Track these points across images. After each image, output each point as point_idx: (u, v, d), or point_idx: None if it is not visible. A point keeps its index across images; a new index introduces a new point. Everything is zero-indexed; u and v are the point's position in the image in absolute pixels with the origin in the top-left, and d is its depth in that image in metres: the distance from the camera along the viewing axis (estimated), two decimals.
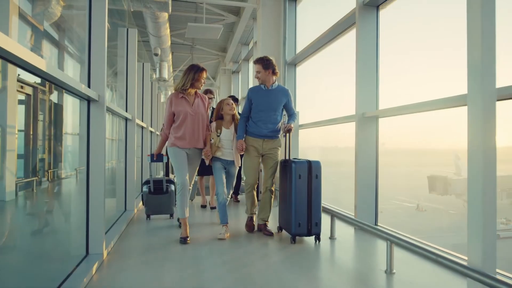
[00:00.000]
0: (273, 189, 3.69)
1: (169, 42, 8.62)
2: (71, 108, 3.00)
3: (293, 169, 3.28)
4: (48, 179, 2.60)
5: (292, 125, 3.51)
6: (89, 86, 2.77)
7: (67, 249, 2.81)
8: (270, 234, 3.57)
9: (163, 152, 3.68)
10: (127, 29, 4.59)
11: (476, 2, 2.18)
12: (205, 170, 4.69)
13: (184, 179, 3.35)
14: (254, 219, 3.78)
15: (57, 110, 2.87)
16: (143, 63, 6.17)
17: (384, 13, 3.96)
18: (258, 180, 3.81)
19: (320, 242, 3.33)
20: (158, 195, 4.15)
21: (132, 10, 6.43)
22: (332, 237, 3.50)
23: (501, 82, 2.16)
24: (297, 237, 3.37)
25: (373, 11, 3.95)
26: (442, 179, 14.46)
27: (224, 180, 3.62)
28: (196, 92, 3.47)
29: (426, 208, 15.16)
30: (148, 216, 4.26)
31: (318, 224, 3.31)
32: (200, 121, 3.43)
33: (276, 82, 3.63)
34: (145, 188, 4.18)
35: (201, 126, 3.44)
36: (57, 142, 2.86)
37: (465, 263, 2.16)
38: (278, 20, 6.18)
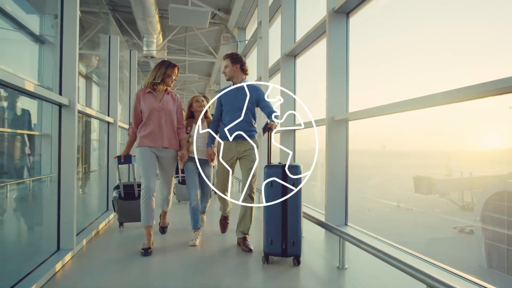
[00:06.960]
0: (253, 196, 3.22)
1: None
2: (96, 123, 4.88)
3: (264, 175, 2.85)
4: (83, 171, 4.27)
5: (274, 123, 2.99)
6: (128, 122, 5.90)
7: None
8: (249, 250, 3.15)
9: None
10: (141, 86, 7.75)
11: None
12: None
13: (149, 184, 3.06)
14: (228, 218, 3.79)
15: (87, 124, 4.53)
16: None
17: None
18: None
19: (301, 266, 2.80)
20: (129, 200, 3.93)
21: (141, 60, 9.75)
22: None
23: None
24: (273, 257, 2.93)
25: None
26: (426, 179, 15.42)
27: (198, 183, 3.50)
28: (166, 90, 3.23)
29: (412, 207, 16.62)
30: (121, 224, 4.05)
31: (296, 244, 2.81)
32: (169, 119, 3.19)
33: (246, 80, 3.34)
34: (115, 194, 3.98)
35: (169, 124, 3.20)
36: (87, 146, 4.38)
37: None
38: None
